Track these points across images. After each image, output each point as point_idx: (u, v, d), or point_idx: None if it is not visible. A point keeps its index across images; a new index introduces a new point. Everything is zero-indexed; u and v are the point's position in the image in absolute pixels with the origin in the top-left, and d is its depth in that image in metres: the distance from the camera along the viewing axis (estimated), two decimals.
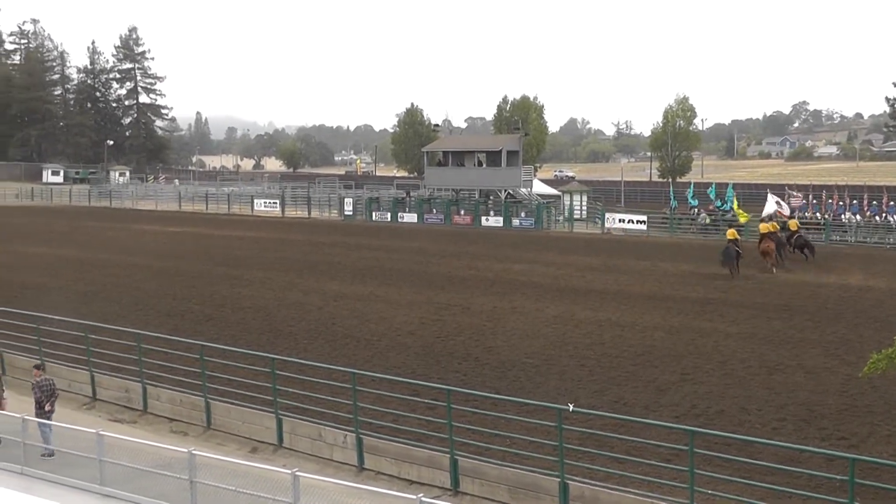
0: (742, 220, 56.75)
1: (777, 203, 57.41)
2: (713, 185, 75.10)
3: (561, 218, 74.36)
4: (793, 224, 51.63)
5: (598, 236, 65.82)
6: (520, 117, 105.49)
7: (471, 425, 19.54)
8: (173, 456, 16.72)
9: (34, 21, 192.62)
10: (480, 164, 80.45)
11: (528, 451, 18.35)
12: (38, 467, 17.91)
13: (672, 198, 73.97)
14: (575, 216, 74.11)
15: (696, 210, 69.27)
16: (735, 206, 60.13)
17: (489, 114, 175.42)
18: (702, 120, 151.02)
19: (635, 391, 23.91)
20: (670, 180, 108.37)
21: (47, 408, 20.52)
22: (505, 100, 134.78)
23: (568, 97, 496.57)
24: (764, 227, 47.35)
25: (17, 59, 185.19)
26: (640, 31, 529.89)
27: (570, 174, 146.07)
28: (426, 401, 21.45)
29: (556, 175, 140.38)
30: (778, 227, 48.73)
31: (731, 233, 46.56)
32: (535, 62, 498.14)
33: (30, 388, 21.52)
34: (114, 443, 17.31)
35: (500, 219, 72.63)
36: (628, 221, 68.13)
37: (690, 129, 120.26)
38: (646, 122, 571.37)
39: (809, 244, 49.74)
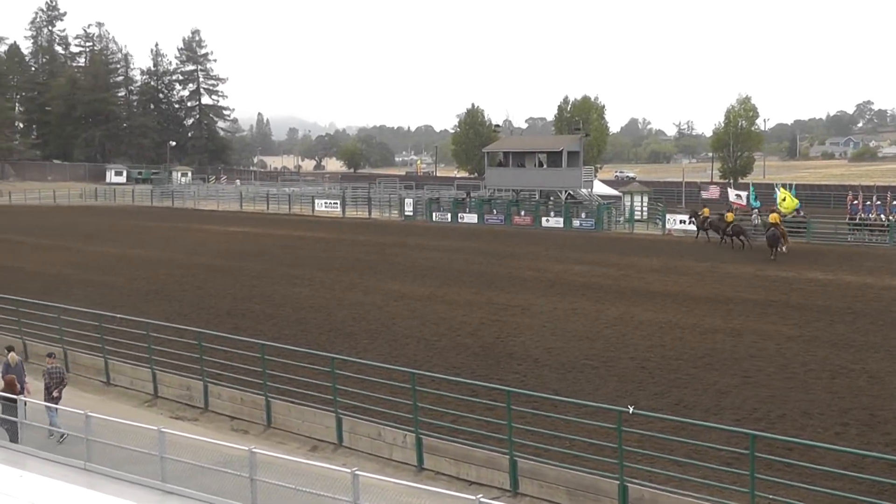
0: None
1: (737, 196, 68.04)
2: (777, 186, 74.16)
3: (621, 219, 73.82)
4: (729, 216, 57.72)
5: (658, 237, 65.32)
6: (580, 118, 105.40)
7: (530, 426, 19.47)
8: (234, 454, 16.84)
9: (99, 24, 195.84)
10: (541, 164, 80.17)
11: (587, 452, 18.26)
12: (101, 463, 18.12)
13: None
14: (635, 217, 73.48)
15: (757, 211, 68.49)
16: (785, 196, 62.40)
17: (550, 114, 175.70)
18: (764, 120, 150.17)
19: (696, 394, 23.73)
20: (731, 181, 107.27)
21: (55, 394, 21.61)
22: (566, 100, 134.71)
23: (629, 97, 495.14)
24: (773, 218, 51.89)
25: (82, 61, 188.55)
26: (702, 31, 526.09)
27: (631, 175, 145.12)
28: (485, 401, 21.39)
29: (616, 176, 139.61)
30: (779, 219, 52.76)
31: (773, 217, 51.39)
32: (595, 62, 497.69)
33: (84, 385, 21.85)
34: (175, 440, 17.47)
35: (561, 219, 72.24)
36: (689, 223, 67.49)
37: (752, 129, 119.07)
38: (707, 123, 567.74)
39: (745, 232, 56.21)
